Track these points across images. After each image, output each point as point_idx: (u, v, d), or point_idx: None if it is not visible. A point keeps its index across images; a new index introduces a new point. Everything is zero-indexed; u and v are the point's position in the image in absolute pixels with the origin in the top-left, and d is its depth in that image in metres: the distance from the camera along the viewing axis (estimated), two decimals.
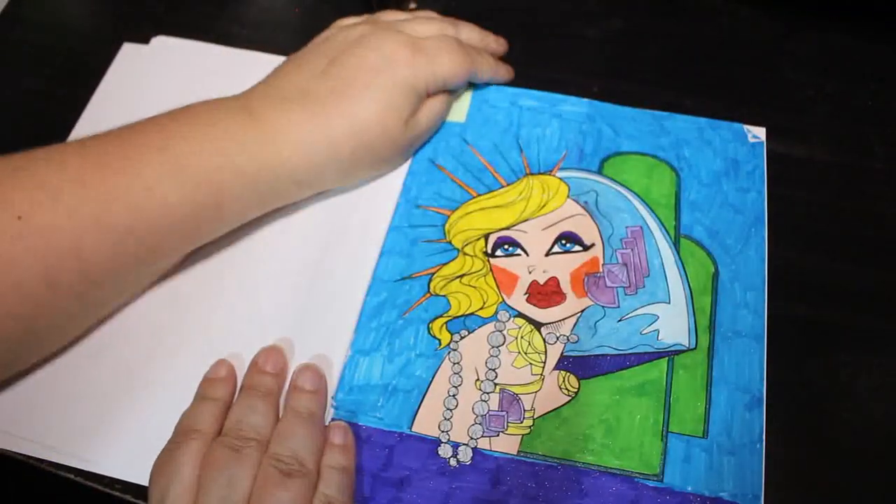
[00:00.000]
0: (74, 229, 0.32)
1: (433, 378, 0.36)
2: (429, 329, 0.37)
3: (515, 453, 0.34)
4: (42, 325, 0.33)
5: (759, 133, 0.42)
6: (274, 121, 0.36)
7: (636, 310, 0.37)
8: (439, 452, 0.34)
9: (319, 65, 0.38)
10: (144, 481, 0.32)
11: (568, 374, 0.35)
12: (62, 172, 0.32)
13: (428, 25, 0.41)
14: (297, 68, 0.39)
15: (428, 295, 0.38)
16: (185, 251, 0.37)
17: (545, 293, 0.37)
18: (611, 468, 0.33)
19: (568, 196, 0.40)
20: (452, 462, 0.34)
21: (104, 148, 0.34)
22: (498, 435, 0.34)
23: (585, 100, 0.43)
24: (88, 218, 0.32)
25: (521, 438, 0.34)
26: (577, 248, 0.39)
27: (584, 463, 0.34)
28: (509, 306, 0.37)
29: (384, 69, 0.37)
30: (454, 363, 0.36)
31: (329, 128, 0.37)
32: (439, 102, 0.41)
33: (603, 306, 0.37)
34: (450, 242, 0.39)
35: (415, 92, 0.38)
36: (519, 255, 0.39)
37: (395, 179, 0.41)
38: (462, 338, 0.37)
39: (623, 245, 0.39)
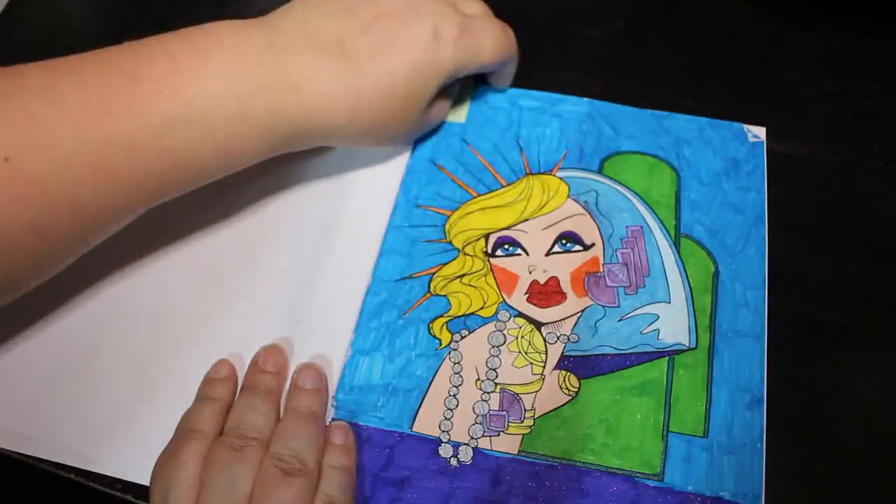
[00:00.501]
0: (70, 177, 0.29)
1: (433, 378, 0.36)
2: (429, 329, 0.37)
3: (516, 453, 0.34)
4: (28, 272, 0.31)
5: (759, 133, 0.42)
6: (302, 67, 0.34)
7: (636, 309, 0.37)
8: (440, 452, 0.34)
9: (366, 16, 0.36)
10: (145, 481, 0.32)
11: (568, 373, 0.35)
12: (59, 111, 0.29)
13: (474, 4, 0.39)
14: (341, 10, 0.36)
15: (428, 295, 0.38)
16: (187, 191, 0.34)
17: (545, 293, 0.37)
18: (611, 468, 0.33)
19: (568, 196, 0.40)
20: (453, 462, 0.34)
21: (107, 82, 0.30)
22: (498, 434, 0.34)
23: (585, 99, 0.43)
24: (86, 166, 0.29)
25: (522, 438, 0.34)
26: (578, 247, 0.39)
27: (584, 462, 0.34)
28: (510, 306, 0.37)
29: (428, 46, 0.36)
30: (454, 363, 0.36)
31: (359, 89, 0.35)
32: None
33: (603, 306, 0.37)
34: (450, 242, 0.39)
35: (448, 75, 0.37)
36: (519, 254, 0.39)
37: (394, 179, 0.41)
38: (462, 337, 0.37)
39: (623, 245, 0.39)
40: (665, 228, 0.39)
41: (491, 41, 0.38)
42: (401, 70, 0.35)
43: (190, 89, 0.31)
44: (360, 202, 0.40)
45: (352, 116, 0.35)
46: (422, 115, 0.38)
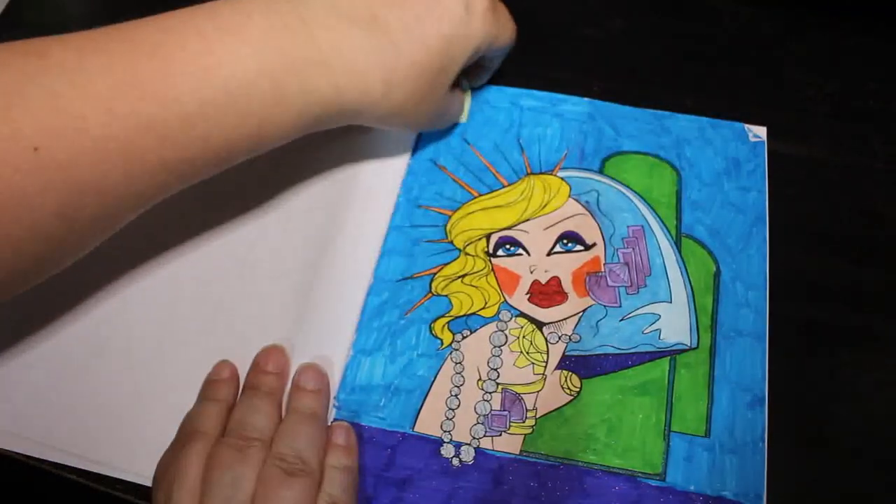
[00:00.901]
0: (99, 164, 0.28)
1: (435, 378, 0.36)
2: (430, 329, 0.37)
3: (518, 453, 0.34)
4: (52, 258, 0.30)
5: (759, 132, 0.42)
6: (333, 41, 0.32)
7: (638, 309, 0.37)
8: (441, 452, 0.34)
9: None
10: (147, 482, 0.32)
11: (570, 373, 0.35)
12: (88, 96, 0.28)
13: None
14: None
15: (430, 295, 0.38)
16: (213, 174, 0.33)
17: (547, 293, 0.37)
18: (613, 468, 0.33)
19: (569, 196, 0.40)
20: (455, 462, 0.34)
21: (134, 64, 0.29)
22: (500, 434, 0.34)
23: (586, 99, 0.43)
24: (115, 152, 0.28)
25: (524, 438, 0.34)
26: (579, 247, 0.39)
27: (586, 462, 0.34)
28: (511, 306, 0.37)
29: (461, 18, 0.35)
30: (456, 363, 0.36)
31: (392, 65, 0.34)
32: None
33: (605, 306, 0.37)
34: (451, 242, 0.39)
35: (475, 49, 0.36)
36: (520, 254, 0.39)
37: (395, 179, 0.41)
38: (464, 338, 0.37)
39: (624, 244, 0.39)
40: (666, 228, 0.39)
41: (511, 22, 0.38)
42: (434, 43, 0.34)
43: (224, 71, 0.30)
44: (361, 202, 0.40)
45: (384, 92, 0.34)
46: (446, 95, 0.37)
